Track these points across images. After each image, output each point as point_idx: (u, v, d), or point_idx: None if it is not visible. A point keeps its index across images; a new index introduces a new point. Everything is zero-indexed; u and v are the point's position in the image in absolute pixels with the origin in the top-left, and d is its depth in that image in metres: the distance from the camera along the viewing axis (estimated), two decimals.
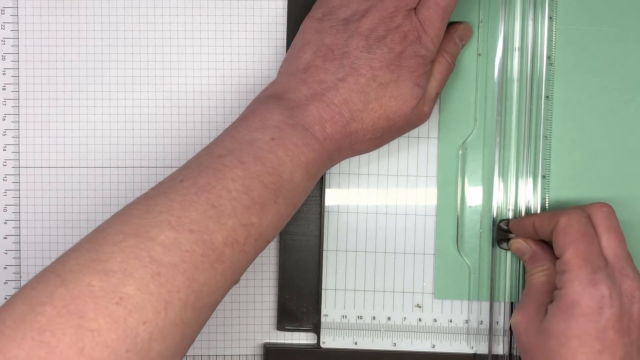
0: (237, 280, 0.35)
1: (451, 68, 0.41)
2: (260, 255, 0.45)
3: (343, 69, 0.37)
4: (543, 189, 0.43)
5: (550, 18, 0.43)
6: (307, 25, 0.39)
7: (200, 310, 0.33)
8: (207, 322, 0.45)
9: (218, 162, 0.35)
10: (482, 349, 0.44)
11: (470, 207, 0.44)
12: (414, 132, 0.44)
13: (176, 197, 0.33)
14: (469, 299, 0.44)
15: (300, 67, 0.38)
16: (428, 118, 0.40)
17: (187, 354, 0.45)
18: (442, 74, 0.40)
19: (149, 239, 0.32)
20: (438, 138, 0.44)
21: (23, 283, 0.44)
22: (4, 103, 0.44)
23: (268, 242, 0.36)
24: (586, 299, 0.36)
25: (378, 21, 0.37)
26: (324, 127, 0.37)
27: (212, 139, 0.44)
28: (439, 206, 0.44)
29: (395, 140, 0.44)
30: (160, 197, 0.34)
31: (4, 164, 0.44)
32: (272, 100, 0.37)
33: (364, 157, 0.44)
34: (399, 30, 0.37)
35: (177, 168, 0.44)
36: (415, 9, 0.38)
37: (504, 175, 0.43)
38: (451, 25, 0.42)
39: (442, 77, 0.40)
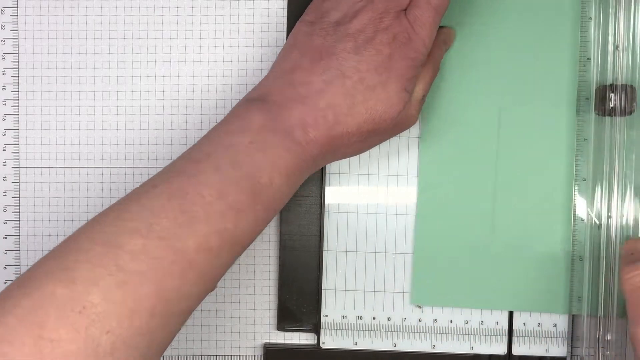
0: (213, 287, 0.35)
1: (435, 72, 0.41)
2: (260, 255, 0.45)
3: (330, 71, 0.36)
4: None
5: None
6: (298, 28, 0.39)
7: (169, 319, 0.32)
8: (207, 322, 0.45)
9: (193, 167, 0.34)
10: (482, 349, 0.44)
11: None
12: (413, 132, 0.44)
13: (147, 203, 0.33)
14: (452, 306, 0.44)
15: (287, 69, 0.37)
16: (416, 121, 0.40)
17: (187, 354, 0.45)
18: (429, 77, 0.40)
19: (117, 246, 0.31)
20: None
21: None
22: (4, 103, 0.44)
23: (245, 248, 0.35)
24: None
25: (367, 22, 0.37)
26: (307, 131, 0.36)
27: None
28: (418, 208, 0.44)
29: (395, 140, 0.44)
30: (133, 203, 0.33)
31: (4, 164, 0.44)
32: (255, 102, 0.37)
33: (364, 157, 0.44)
34: (388, 32, 0.37)
35: None
36: (406, 10, 0.37)
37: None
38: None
39: (429, 80, 0.40)
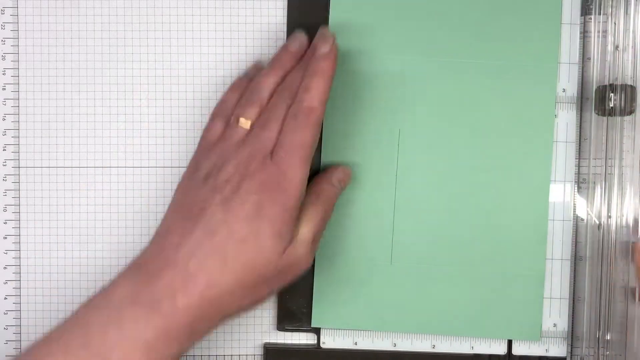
0: None
1: (327, 212, 0.39)
2: None
3: (198, 228, 0.35)
4: None
5: None
6: (178, 186, 0.38)
7: None
8: None
9: (45, 348, 0.34)
10: (482, 349, 0.44)
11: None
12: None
13: None
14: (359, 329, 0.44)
15: (162, 232, 0.36)
16: (309, 262, 0.38)
17: (187, 354, 0.45)
18: (318, 217, 0.38)
19: None
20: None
21: (22, 283, 0.44)
22: (4, 103, 0.44)
23: None
24: None
25: (233, 171, 0.36)
26: (175, 299, 0.34)
27: None
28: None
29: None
30: None
31: (4, 164, 0.44)
32: (130, 270, 0.36)
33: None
34: (254, 178, 0.36)
35: (176, 168, 0.44)
36: (272, 151, 0.36)
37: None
38: (331, 167, 0.41)
39: (319, 221, 0.38)
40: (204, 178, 0.37)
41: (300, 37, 0.41)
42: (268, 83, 0.39)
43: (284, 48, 0.41)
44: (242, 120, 0.38)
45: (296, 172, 0.36)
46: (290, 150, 0.36)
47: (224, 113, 0.40)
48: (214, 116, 0.41)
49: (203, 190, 0.36)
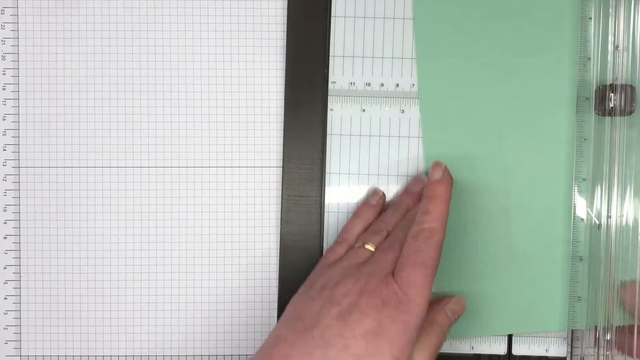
0: None
1: (440, 342, 0.38)
2: (260, 255, 0.45)
3: (311, 341, 0.34)
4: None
5: None
6: (291, 300, 0.38)
7: None
8: (207, 322, 0.45)
9: None
10: (482, 349, 0.44)
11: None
12: (414, 132, 0.44)
13: None
14: None
15: (270, 341, 0.36)
16: None
17: (187, 354, 0.45)
18: (431, 346, 0.37)
19: None
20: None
21: (23, 283, 0.44)
22: (4, 103, 0.44)
23: None
24: None
25: (352, 285, 0.36)
26: None
27: (211, 139, 0.44)
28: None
29: (396, 140, 0.44)
30: None
31: (4, 164, 0.44)
32: None
33: (364, 156, 0.44)
34: (375, 295, 0.35)
35: (176, 168, 0.44)
36: (393, 271, 0.36)
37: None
38: (445, 297, 0.41)
39: (432, 350, 0.37)
40: (320, 289, 0.37)
41: (422, 179, 0.43)
42: (394, 218, 0.41)
43: (406, 191, 0.43)
44: (367, 245, 0.40)
45: (418, 292, 0.35)
46: (412, 270, 0.36)
47: (349, 238, 0.41)
48: (338, 242, 0.42)
49: (318, 302, 0.36)
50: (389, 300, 0.35)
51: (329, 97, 0.44)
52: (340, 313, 0.35)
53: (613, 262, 0.42)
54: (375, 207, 0.43)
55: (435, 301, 0.41)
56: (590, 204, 0.43)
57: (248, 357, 0.45)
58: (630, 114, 0.42)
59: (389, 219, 0.41)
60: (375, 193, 0.43)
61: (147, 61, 0.44)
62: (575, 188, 0.43)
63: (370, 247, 0.39)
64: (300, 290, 0.39)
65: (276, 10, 0.44)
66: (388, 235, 0.40)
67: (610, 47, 0.42)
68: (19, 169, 0.44)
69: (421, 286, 0.35)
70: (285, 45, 0.44)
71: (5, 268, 0.44)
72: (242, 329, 0.45)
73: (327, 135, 0.44)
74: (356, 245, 0.40)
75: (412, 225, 0.38)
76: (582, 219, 0.43)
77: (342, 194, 0.45)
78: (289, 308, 0.38)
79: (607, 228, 0.42)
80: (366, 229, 0.42)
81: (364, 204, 0.43)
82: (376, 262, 0.37)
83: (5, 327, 0.44)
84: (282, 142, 0.44)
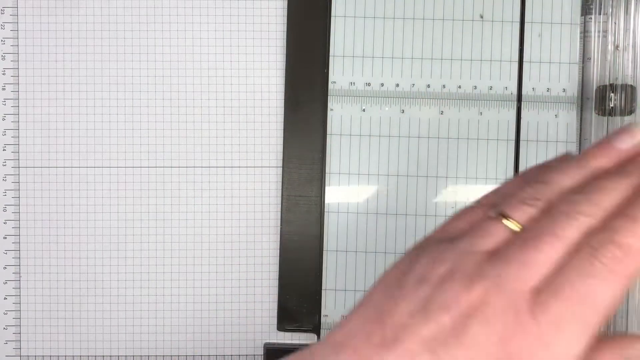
0: None
1: None
2: (260, 255, 0.45)
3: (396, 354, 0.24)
4: None
5: None
6: (379, 279, 0.27)
7: None
8: (207, 322, 0.45)
9: None
10: None
11: None
12: (414, 132, 0.44)
13: None
14: None
15: (337, 341, 0.25)
16: None
17: (187, 354, 0.45)
18: None
19: None
20: (446, 138, 0.44)
21: (23, 283, 0.44)
22: (4, 103, 0.44)
23: None
24: None
25: (460, 292, 0.24)
26: None
27: (211, 139, 0.44)
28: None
29: (396, 140, 0.44)
30: None
31: (4, 164, 0.44)
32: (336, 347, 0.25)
33: (364, 156, 0.44)
34: (492, 325, 0.23)
35: (176, 168, 0.44)
36: (541, 286, 0.23)
37: None
38: (619, 336, 0.25)
39: None
40: (416, 282, 0.25)
41: (634, 132, 0.26)
42: (563, 182, 0.25)
43: (606, 141, 0.26)
44: (508, 222, 0.25)
45: (566, 345, 0.22)
46: (568, 305, 0.23)
47: (491, 204, 0.26)
48: (477, 203, 0.27)
49: (409, 302, 0.24)
50: (512, 343, 0.22)
51: (329, 97, 0.44)
52: (432, 339, 0.23)
53: None
54: (619, 156, 0.25)
55: (605, 342, 0.24)
56: None
57: (248, 356, 0.45)
58: (630, 114, 0.42)
59: (557, 182, 0.25)
60: (628, 132, 0.26)
61: (147, 61, 0.44)
62: None
63: (511, 225, 0.25)
64: (394, 268, 0.27)
65: (276, 10, 0.44)
66: (545, 210, 0.25)
67: (610, 47, 0.42)
68: (18, 169, 0.44)
69: (575, 338, 0.23)
70: (285, 45, 0.44)
71: (5, 268, 0.44)
72: (242, 329, 0.45)
73: (327, 135, 0.44)
74: (489, 214, 0.26)
75: (592, 212, 0.24)
76: None
77: (342, 194, 0.45)
78: (372, 292, 0.26)
79: None
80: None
81: (597, 145, 0.26)
82: (514, 258, 0.24)
83: (5, 327, 0.44)
84: (282, 142, 0.44)
